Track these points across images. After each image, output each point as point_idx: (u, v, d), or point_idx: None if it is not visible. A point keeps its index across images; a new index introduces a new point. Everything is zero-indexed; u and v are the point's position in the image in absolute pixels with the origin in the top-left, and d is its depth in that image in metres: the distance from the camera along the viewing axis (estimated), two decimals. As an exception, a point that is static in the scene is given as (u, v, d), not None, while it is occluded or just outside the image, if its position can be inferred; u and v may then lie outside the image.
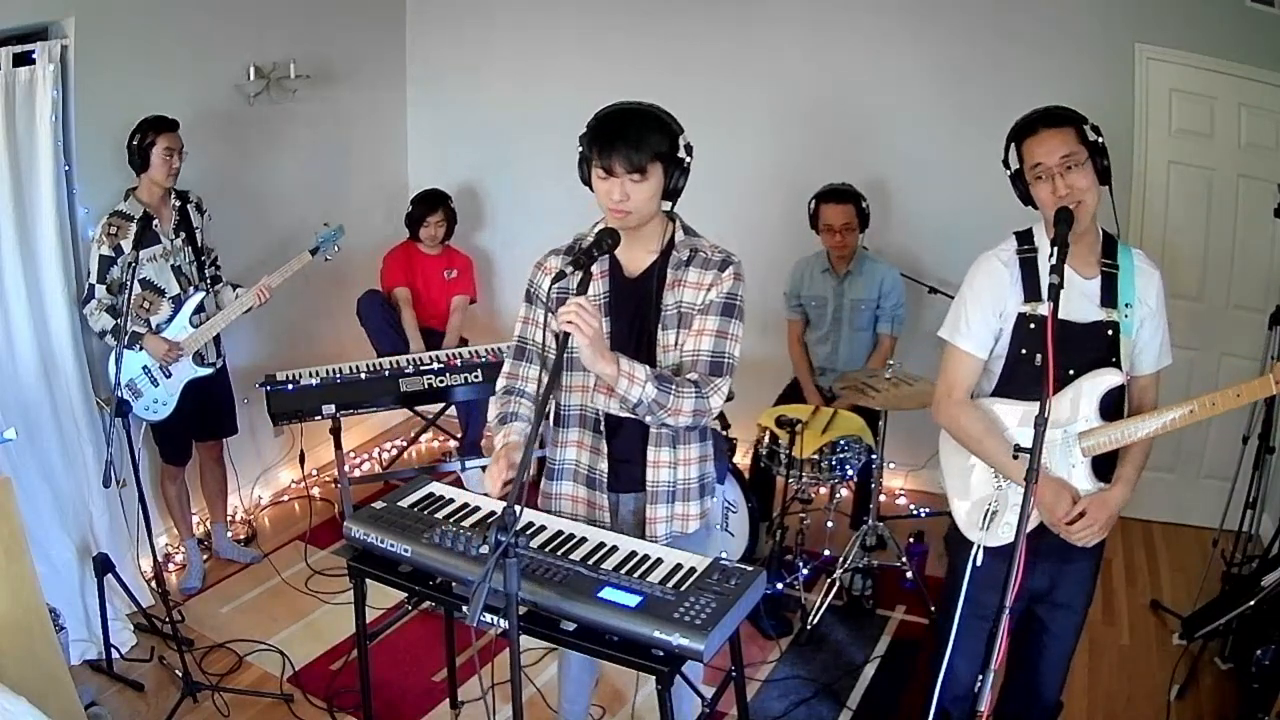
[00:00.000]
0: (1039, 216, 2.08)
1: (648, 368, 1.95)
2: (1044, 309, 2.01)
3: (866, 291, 3.87)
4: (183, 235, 3.39)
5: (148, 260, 3.27)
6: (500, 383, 2.22)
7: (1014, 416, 2.10)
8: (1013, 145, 2.05)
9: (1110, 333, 2.03)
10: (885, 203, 4.13)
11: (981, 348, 2.13)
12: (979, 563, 2.10)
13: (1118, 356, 2.04)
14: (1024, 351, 2.08)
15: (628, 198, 1.93)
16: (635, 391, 1.92)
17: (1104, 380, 2.03)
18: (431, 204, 4.36)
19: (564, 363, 2.04)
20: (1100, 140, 1.97)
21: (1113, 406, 2.07)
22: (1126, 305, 2.03)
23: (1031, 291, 2.06)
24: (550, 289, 2.04)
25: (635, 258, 2.08)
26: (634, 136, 1.90)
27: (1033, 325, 2.05)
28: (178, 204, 3.38)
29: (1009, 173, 2.08)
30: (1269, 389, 1.84)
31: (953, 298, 2.21)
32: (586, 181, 2.01)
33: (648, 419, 1.99)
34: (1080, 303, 2.03)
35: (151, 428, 3.48)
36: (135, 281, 3.13)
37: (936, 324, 2.24)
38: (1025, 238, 2.12)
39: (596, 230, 2.01)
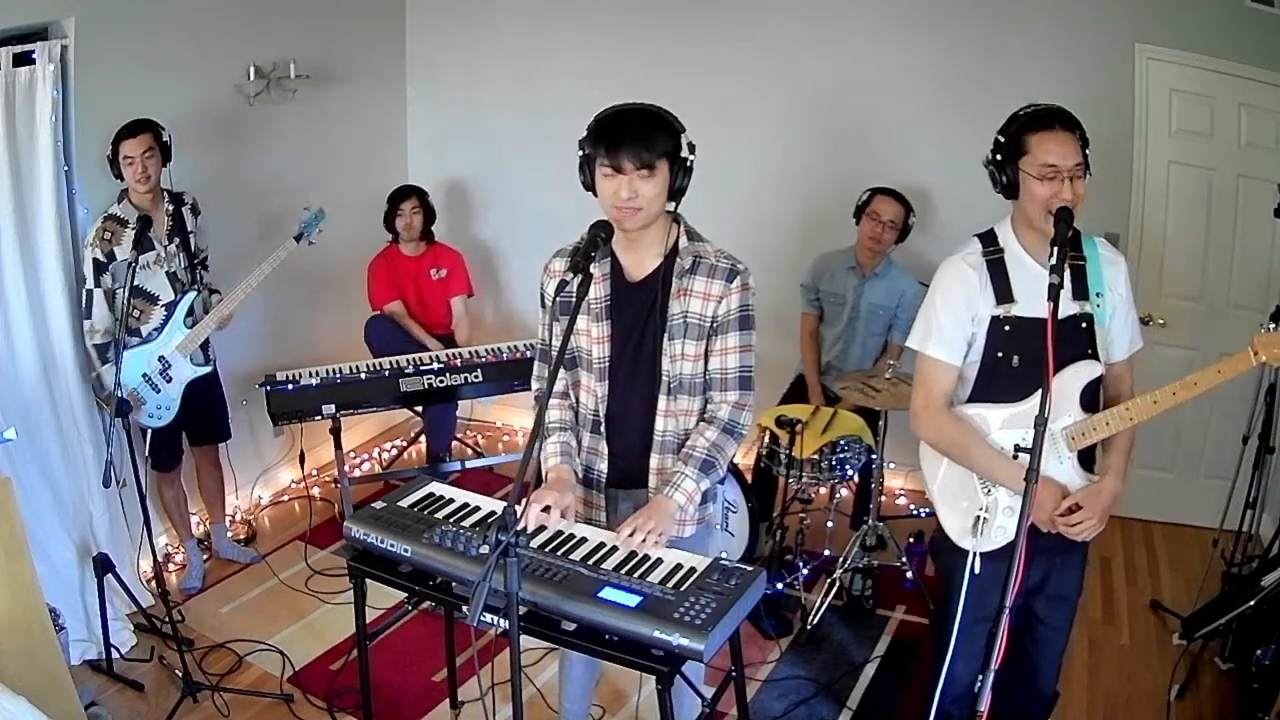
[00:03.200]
0: (1021, 211, 2.06)
1: (689, 472, 2.04)
2: (1018, 310, 2.03)
3: (886, 298, 3.85)
4: (177, 239, 3.35)
5: (142, 267, 3.19)
6: (535, 386, 2.30)
7: (996, 421, 2.10)
8: (1016, 134, 1.99)
9: (1085, 325, 2.04)
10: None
11: (956, 354, 2.11)
12: (977, 570, 2.09)
13: (1094, 347, 2.05)
14: (1000, 355, 2.06)
15: (636, 194, 1.92)
16: (697, 504, 2.09)
17: (1084, 372, 2.04)
18: (404, 193, 4.27)
19: (559, 368, 2.06)
20: (1088, 151, 1.98)
21: (1091, 398, 2.07)
22: (1097, 295, 2.04)
23: (1003, 293, 2.05)
24: (555, 298, 2.07)
25: (638, 261, 2.08)
26: (642, 134, 1.91)
27: (1008, 327, 2.04)
28: (171, 207, 3.33)
29: (997, 157, 2.02)
30: (1248, 363, 1.84)
31: None
32: (588, 185, 2.01)
33: None
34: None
35: (151, 434, 3.43)
36: (131, 286, 3.07)
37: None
38: (988, 239, 2.10)
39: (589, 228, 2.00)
